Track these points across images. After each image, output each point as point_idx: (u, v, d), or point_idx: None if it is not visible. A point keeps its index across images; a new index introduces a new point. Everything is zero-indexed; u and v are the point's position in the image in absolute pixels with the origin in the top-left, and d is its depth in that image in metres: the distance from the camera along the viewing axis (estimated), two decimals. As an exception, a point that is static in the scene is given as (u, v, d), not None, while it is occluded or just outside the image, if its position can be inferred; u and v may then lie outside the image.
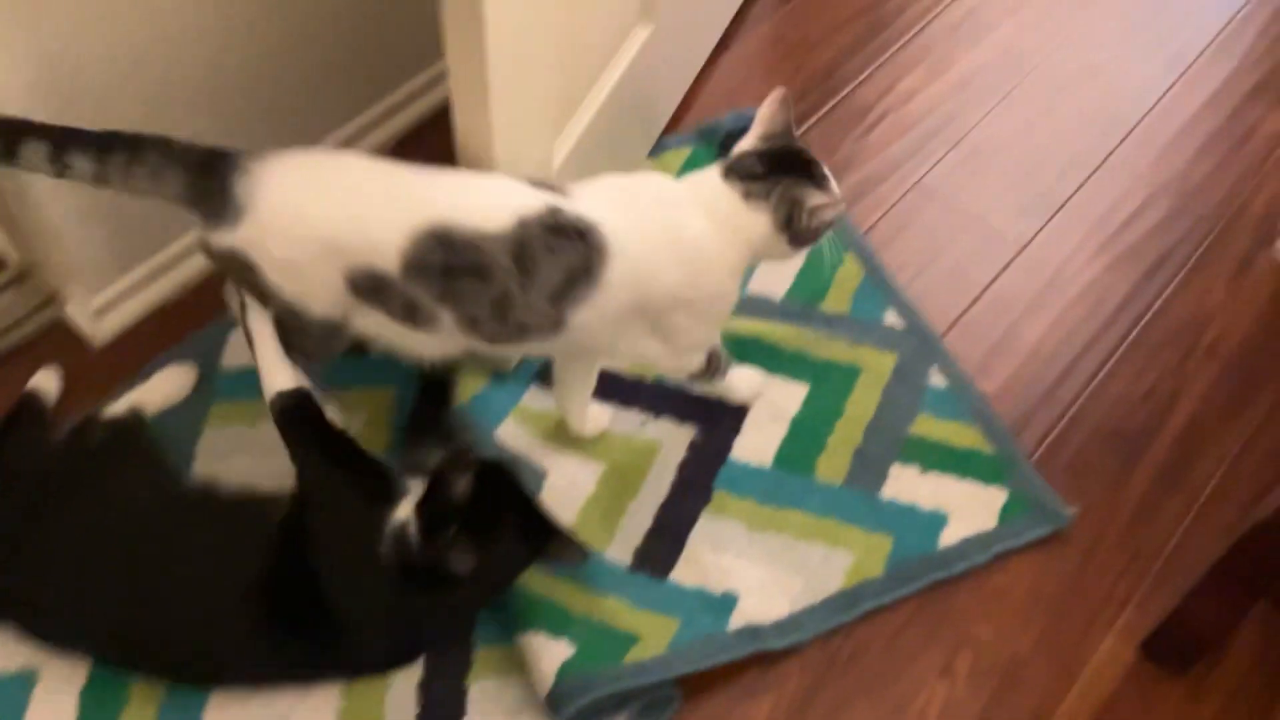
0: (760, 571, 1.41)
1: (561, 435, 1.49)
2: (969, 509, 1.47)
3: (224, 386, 1.52)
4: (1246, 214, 1.81)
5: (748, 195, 1.25)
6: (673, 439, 1.51)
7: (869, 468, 1.50)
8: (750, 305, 1.62)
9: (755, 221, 1.26)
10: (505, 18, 1.10)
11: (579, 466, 1.48)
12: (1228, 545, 1.23)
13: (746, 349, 1.57)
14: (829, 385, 1.57)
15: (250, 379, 1.53)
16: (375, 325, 1.25)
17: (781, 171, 1.27)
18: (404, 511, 1.23)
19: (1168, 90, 1.97)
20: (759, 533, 1.44)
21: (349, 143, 1.74)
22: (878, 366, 1.59)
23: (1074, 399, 1.60)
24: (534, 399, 1.52)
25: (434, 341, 1.25)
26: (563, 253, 1.18)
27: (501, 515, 1.24)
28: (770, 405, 1.55)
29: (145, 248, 1.57)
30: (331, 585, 1.23)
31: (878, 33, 2.03)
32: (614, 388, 1.54)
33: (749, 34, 2.01)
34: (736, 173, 1.27)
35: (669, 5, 1.60)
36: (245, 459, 1.45)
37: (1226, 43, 2.05)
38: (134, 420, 1.42)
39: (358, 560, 1.23)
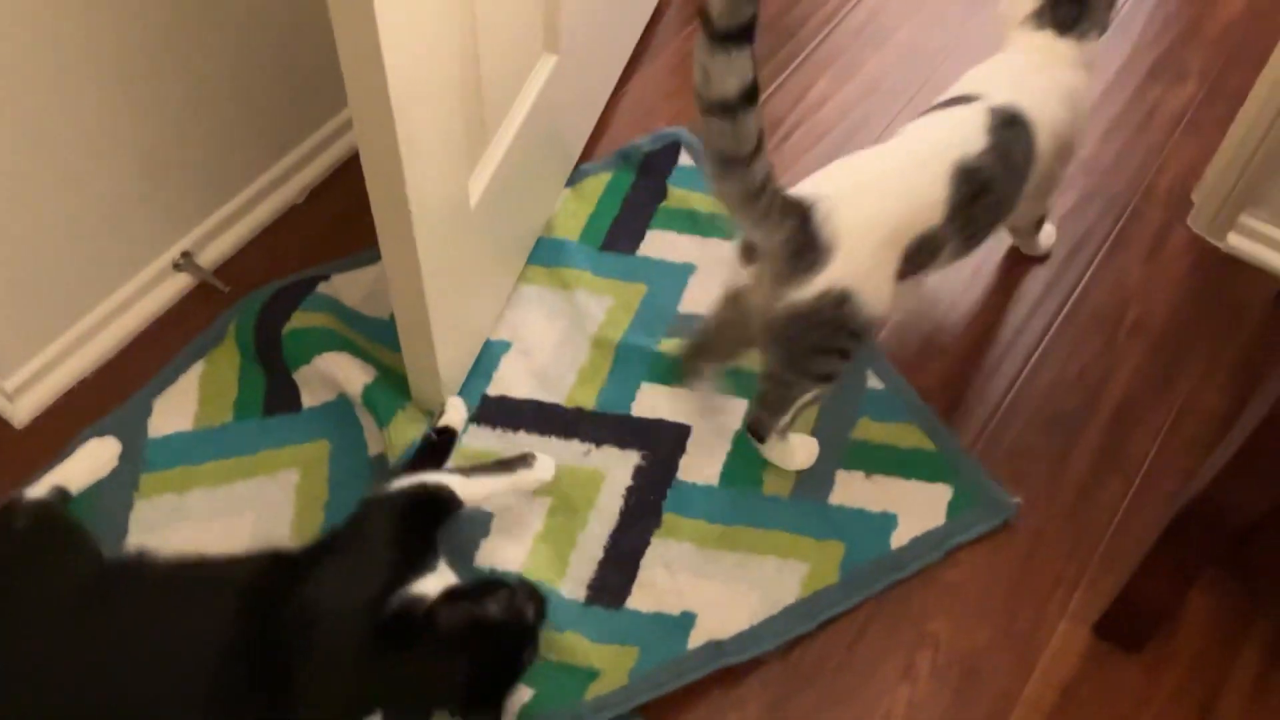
0: (716, 588, 1.40)
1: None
2: (917, 508, 1.48)
3: (152, 456, 1.49)
4: (1156, 191, 1.84)
5: (1083, 35, 1.42)
6: (617, 466, 1.50)
7: (815, 476, 1.50)
8: (687, 325, 1.62)
9: (1092, 49, 1.44)
10: (404, 60, 1.09)
11: (525, 503, 1.46)
12: (1167, 521, 1.24)
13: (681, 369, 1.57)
14: (767, 397, 1.57)
15: (178, 445, 1.50)
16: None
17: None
18: (425, 587, 1.22)
19: (1070, 77, 2.01)
20: (712, 551, 1.43)
21: (259, 197, 1.71)
22: (814, 374, 1.59)
23: (1008, 388, 1.62)
24: (474, 438, 1.51)
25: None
26: (1017, 141, 1.35)
27: (485, 658, 1.23)
28: (713, 423, 1.55)
29: (54, 325, 1.52)
30: (313, 633, 1.19)
31: (784, 43, 2.05)
32: (553, 420, 1.53)
33: (656, 55, 2.02)
34: (1063, 24, 1.41)
35: (571, 33, 1.60)
36: (180, 528, 1.42)
37: (1122, 26, 2.10)
38: (58, 500, 1.37)
39: (354, 615, 1.20)
